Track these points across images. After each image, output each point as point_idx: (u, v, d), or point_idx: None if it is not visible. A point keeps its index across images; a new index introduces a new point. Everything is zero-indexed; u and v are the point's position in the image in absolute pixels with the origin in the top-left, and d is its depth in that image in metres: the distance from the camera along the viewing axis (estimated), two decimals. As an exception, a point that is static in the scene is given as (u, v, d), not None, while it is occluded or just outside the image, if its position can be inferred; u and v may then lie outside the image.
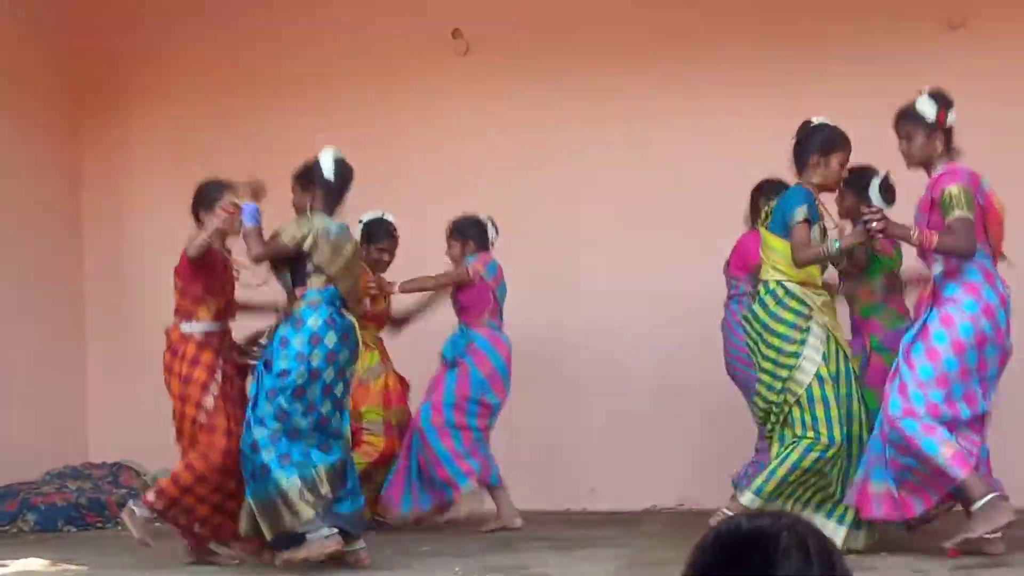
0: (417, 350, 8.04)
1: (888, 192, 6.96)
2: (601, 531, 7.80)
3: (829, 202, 6.71)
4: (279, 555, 6.38)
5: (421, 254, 8.07)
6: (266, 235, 6.48)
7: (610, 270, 9.02)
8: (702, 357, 7.94)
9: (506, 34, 9.32)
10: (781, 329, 6.34)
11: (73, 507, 8.53)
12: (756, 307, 6.47)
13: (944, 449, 5.93)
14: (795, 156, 6.50)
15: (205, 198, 6.74)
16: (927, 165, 6.21)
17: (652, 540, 7.24)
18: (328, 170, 6.57)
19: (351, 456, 6.62)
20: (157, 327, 6.94)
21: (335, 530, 6.33)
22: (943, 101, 6.17)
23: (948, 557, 6.07)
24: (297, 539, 6.31)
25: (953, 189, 6.00)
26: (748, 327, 6.51)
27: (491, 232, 8.04)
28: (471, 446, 7.80)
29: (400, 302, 8.20)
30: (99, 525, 8.53)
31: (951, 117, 6.16)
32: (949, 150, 6.19)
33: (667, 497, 8.71)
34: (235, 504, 6.53)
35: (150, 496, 6.58)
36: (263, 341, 6.56)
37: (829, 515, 6.35)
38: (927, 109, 6.15)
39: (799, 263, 6.31)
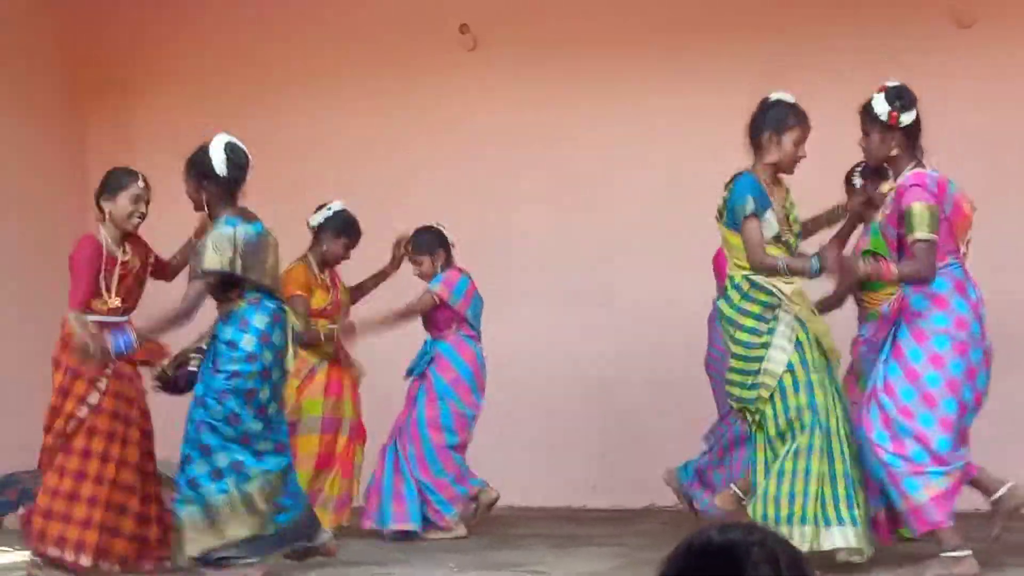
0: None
1: None
2: (599, 529, 7.81)
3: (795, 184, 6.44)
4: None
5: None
6: (179, 246, 6.34)
7: (615, 264, 9.00)
8: (701, 356, 7.92)
9: (514, 29, 9.30)
10: (747, 322, 6.09)
11: (74, 496, 8.52)
12: (722, 303, 6.23)
13: (924, 493, 5.76)
14: (749, 134, 6.19)
15: (108, 187, 6.43)
16: (889, 164, 6.03)
17: (650, 538, 7.25)
18: (219, 163, 6.14)
19: (292, 466, 6.37)
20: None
21: (256, 559, 6.09)
22: (899, 101, 5.90)
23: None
24: (219, 561, 6.06)
25: (916, 207, 5.76)
26: (719, 322, 6.32)
27: (450, 236, 7.77)
28: (456, 469, 7.61)
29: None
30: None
31: (905, 117, 5.90)
32: (912, 150, 5.95)
33: (666, 495, 8.69)
34: (128, 523, 6.28)
35: (38, 546, 6.23)
36: (196, 354, 6.21)
37: (840, 521, 6.02)
38: (880, 108, 5.90)
39: (754, 268, 6.06)
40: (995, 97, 8.49)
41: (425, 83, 9.39)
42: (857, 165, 6.99)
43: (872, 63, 8.50)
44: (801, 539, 5.89)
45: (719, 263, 7.36)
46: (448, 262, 7.76)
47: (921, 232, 5.74)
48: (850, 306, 7.15)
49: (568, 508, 8.76)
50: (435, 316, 7.72)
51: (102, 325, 6.25)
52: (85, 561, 6.19)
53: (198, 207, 6.29)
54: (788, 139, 6.15)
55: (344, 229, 7.71)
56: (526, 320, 8.61)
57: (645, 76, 9.08)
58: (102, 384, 6.27)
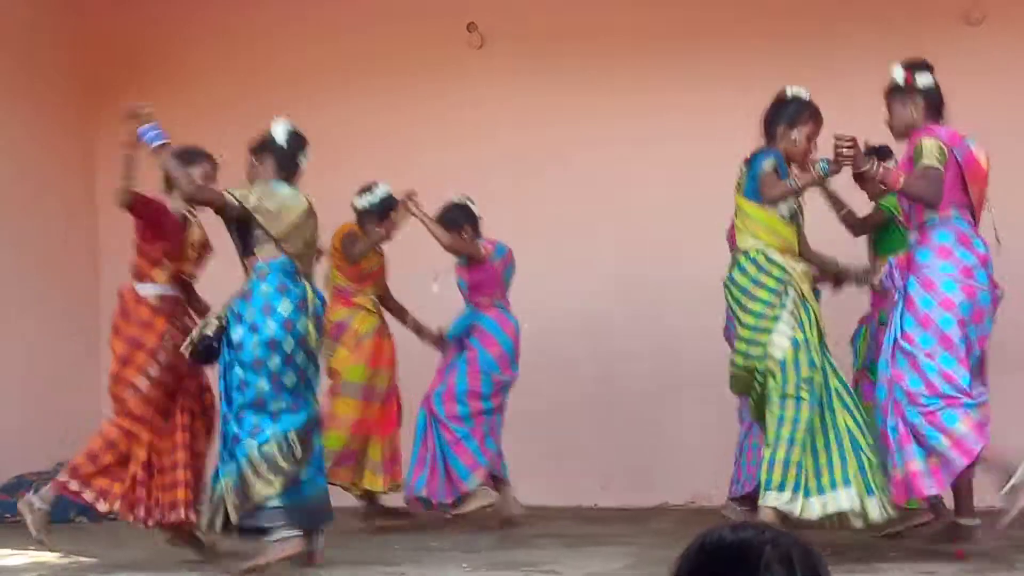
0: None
1: None
2: (612, 528, 7.80)
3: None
4: (243, 566, 6.16)
5: (434, 247, 8.02)
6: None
7: (625, 264, 9.00)
8: (716, 353, 7.91)
9: (521, 28, 9.30)
10: (762, 294, 6.24)
11: (85, 498, 8.53)
12: (736, 273, 6.35)
13: (963, 423, 5.84)
14: (764, 124, 6.40)
15: (184, 159, 6.52)
16: (910, 134, 6.13)
17: (663, 537, 7.23)
18: (280, 137, 6.41)
19: (319, 429, 6.43)
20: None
21: (298, 532, 6.14)
22: (913, 64, 6.13)
23: (956, 558, 6.05)
24: (260, 531, 6.12)
25: (926, 141, 5.94)
26: (728, 293, 6.41)
27: (476, 210, 7.91)
28: (485, 433, 7.74)
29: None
30: (111, 516, 8.53)
31: (921, 78, 6.09)
32: (936, 116, 6.10)
33: (678, 494, 8.69)
34: (160, 482, 6.46)
35: (62, 475, 6.52)
36: (213, 326, 6.25)
37: (833, 486, 6.15)
38: (896, 74, 6.13)
39: (768, 199, 6.21)
40: (1004, 94, 8.48)
41: (432, 82, 9.39)
42: (865, 151, 7.03)
43: (881, 61, 8.46)
44: (790, 505, 6.08)
45: (733, 238, 7.40)
46: (476, 234, 7.91)
47: (929, 160, 5.90)
48: (851, 300, 7.16)
49: (580, 507, 8.75)
50: (476, 277, 7.86)
51: (163, 297, 6.54)
52: (102, 507, 6.50)
53: (256, 177, 6.41)
54: (800, 133, 6.32)
55: (381, 211, 7.92)
56: (536, 320, 8.59)
57: (654, 74, 9.08)
58: (160, 356, 6.46)
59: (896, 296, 6.08)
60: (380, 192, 7.97)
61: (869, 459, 6.14)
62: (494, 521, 7.80)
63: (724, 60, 8.90)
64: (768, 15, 8.93)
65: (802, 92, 6.41)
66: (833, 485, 6.14)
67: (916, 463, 5.92)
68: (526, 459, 8.12)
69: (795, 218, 6.38)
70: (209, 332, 6.20)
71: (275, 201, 6.25)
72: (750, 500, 7.14)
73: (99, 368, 9.70)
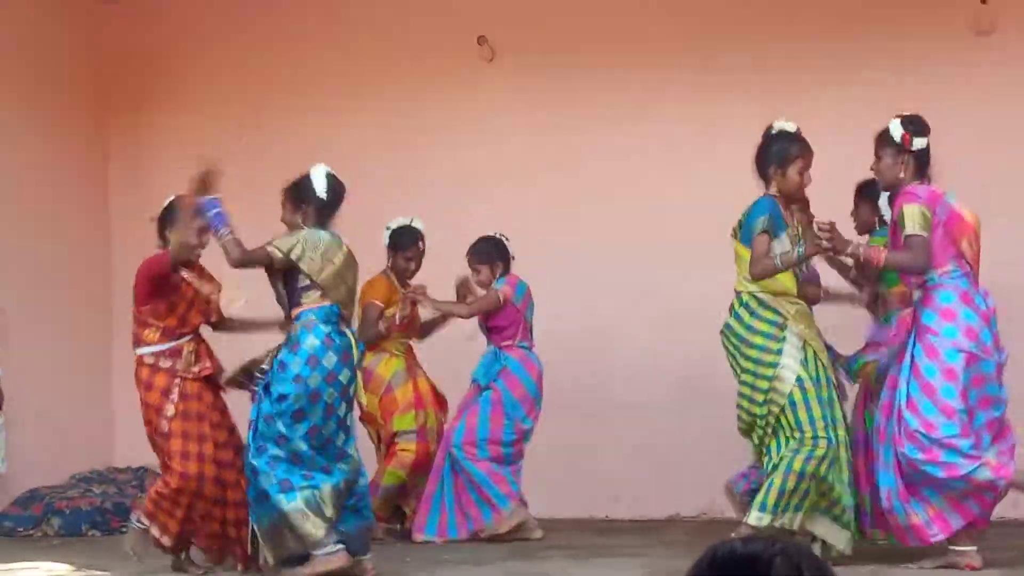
0: (434, 358, 8.06)
1: None
2: (622, 539, 7.80)
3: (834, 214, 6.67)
4: (283, 572, 6.30)
5: (447, 259, 8.04)
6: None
7: (636, 274, 9.00)
8: (726, 365, 7.91)
9: (532, 41, 9.32)
10: (758, 340, 6.35)
11: (98, 511, 8.57)
12: (731, 320, 6.49)
13: (984, 469, 5.94)
14: (756, 167, 6.53)
15: (172, 217, 6.64)
16: (894, 188, 6.23)
17: (674, 549, 7.21)
18: (320, 187, 6.41)
19: (358, 475, 6.46)
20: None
21: (341, 546, 6.24)
22: (913, 126, 6.16)
23: (965, 568, 6.05)
24: (304, 559, 6.23)
25: (906, 209, 6.01)
26: (725, 340, 6.53)
27: (509, 248, 8.04)
28: (507, 470, 7.81)
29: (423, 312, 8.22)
30: (124, 530, 8.52)
31: (918, 142, 6.14)
32: (920, 177, 6.17)
33: (690, 506, 8.68)
34: (221, 512, 6.57)
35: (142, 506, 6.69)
36: (264, 367, 6.37)
37: (834, 519, 6.35)
38: (894, 130, 6.16)
39: (755, 274, 6.33)
40: (1014, 104, 8.47)
41: (443, 95, 9.41)
42: (859, 185, 7.10)
43: (890, 70, 8.51)
44: (791, 523, 6.23)
45: None
46: (506, 273, 7.99)
47: (912, 228, 5.97)
48: (854, 321, 7.17)
49: (591, 519, 8.75)
50: (500, 320, 7.90)
51: (158, 354, 6.60)
52: (167, 541, 6.58)
53: (294, 223, 6.47)
54: (792, 170, 6.44)
55: (396, 244, 8.06)
56: (546, 331, 8.60)
57: (664, 86, 9.08)
58: (168, 409, 6.54)
59: (904, 359, 6.13)
60: (392, 225, 8.09)
61: (844, 495, 6.32)
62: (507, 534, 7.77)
63: (734, 70, 8.90)
64: (777, 24, 8.93)
65: (787, 126, 6.53)
66: (834, 520, 6.35)
67: (916, 516, 6.06)
68: (538, 471, 8.12)
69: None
70: (265, 367, 6.29)
71: (318, 250, 6.29)
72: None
73: (111, 383, 9.76)
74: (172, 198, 6.75)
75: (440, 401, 8.15)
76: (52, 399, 9.20)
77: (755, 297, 6.37)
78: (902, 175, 6.16)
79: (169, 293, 6.59)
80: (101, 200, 9.93)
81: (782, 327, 6.30)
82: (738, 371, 6.45)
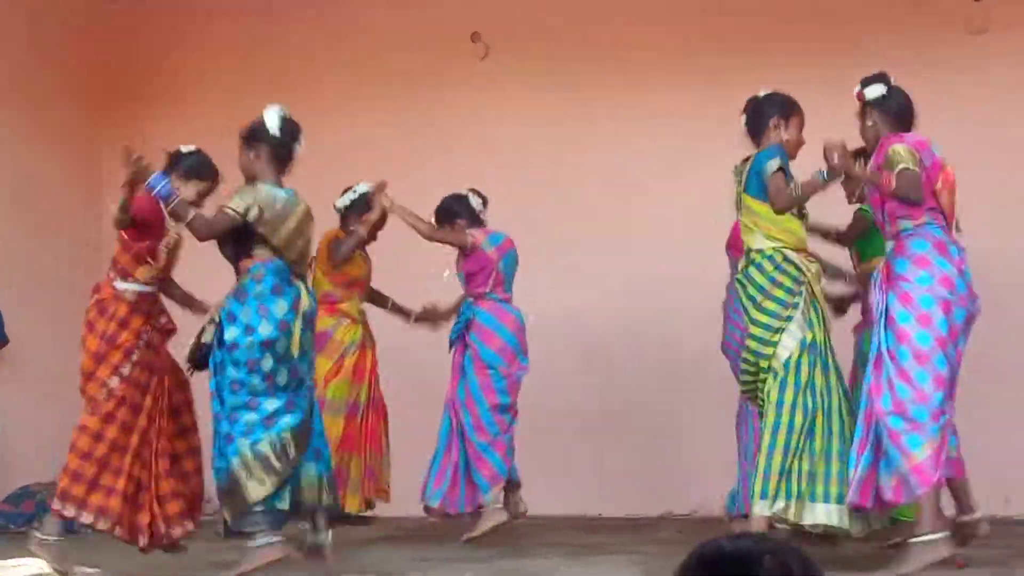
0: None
1: None
2: (615, 537, 7.80)
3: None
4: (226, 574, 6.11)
5: (438, 255, 8.02)
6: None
7: (631, 273, 9.01)
8: (722, 363, 7.92)
9: (525, 38, 9.33)
10: (779, 293, 6.28)
11: (90, 508, 8.53)
12: (752, 270, 6.36)
13: (919, 452, 5.84)
14: (752, 126, 6.46)
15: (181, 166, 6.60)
16: (878, 142, 6.21)
17: (666, 546, 7.23)
18: (273, 126, 6.30)
19: (317, 422, 6.34)
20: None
21: (279, 537, 6.07)
22: (865, 80, 6.26)
23: (956, 568, 6.04)
24: (246, 535, 6.07)
25: (896, 147, 6.00)
26: (741, 291, 6.42)
27: (476, 203, 7.84)
28: (508, 444, 7.63)
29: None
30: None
31: (870, 91, 6.20)
32: (902, 127, 6.17)
33: (683, 504, 8.69)
34: (147, 496, 6.40)
35: (55, 504, 6.41)
36: (206, 328, 6.19)
37: (826, 498, 6.22)
38: (855, 94, 6.24)
39: (778, 208, 6.26)
40: (1006, 103, 8.49)
41: (437, 92, 9.42)
42: (858, 150, 7.11)
43: (885, 69, 8.51)
44: (784, 512, 6.15)
45: (734, 245, 7.42)
46: (474, 226, 7.80)
47: (904, 163, 5.95)
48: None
49: (584, 517, 8.75)
50: (469, 265, 7.73)
51: (142, 295, 6.49)
52: (103, 525, 6.36)
53: (248, 176, 6.35)
54: (793, 124, 6.43)
55: (366, 210, 7.89)
56: (539, 330, 8.60)
57: (657, 84, 9.10)
58: (135, 355, 6.40)
59: (876, 312, 6.09)
60: (360, 189, 7.97)
61: (835, 468, 6.21)
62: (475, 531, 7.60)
63: (728, 70, 8.91)
64: (771, 24, 8.94)
65: (771, 90, 6.52)
66: (826, 497, 6.19)
67: (883, 477, 5.96)
68: (531, 469, 8.10)
69: (802, 211, 6.43)
70: (207, 340, 6.15)
71: (274, 210, 6.20)
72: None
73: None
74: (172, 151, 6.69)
75: (375, 375, 7.97)
76: (44, 398, 9.19)
77: (781, 252, 6.30)
78: (880, 130, 6.17)
79: (157, 234, 6.52)
80: (95, 199, 9.90)
81: (801, 283, 6.26)
82: (748, 322, 6.37)
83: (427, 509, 7.71)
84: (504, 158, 9.29)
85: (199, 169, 6.66)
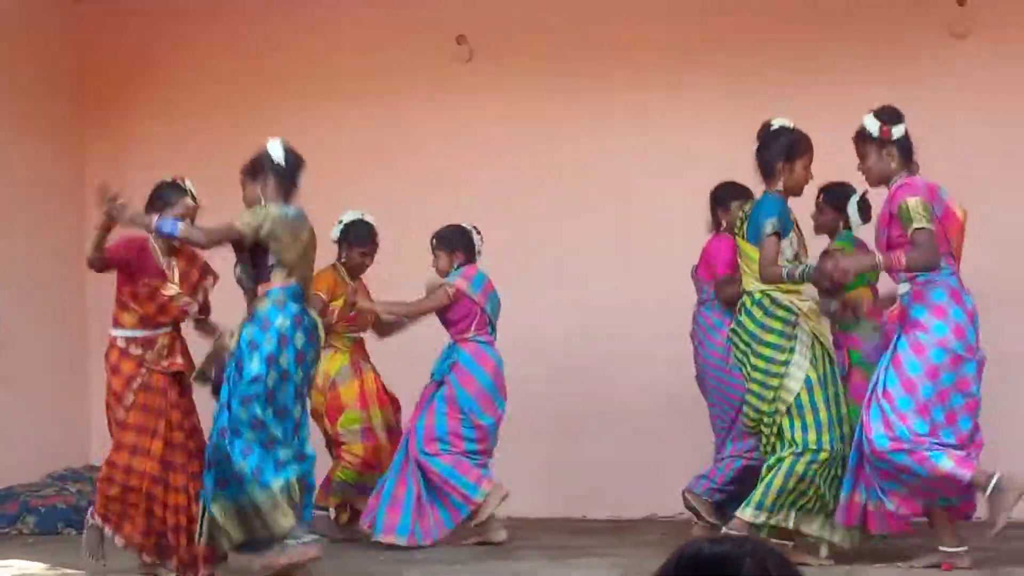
0: (407, 357, 7.99)
1: (865, 210, 7.05)
2: (598, 539, 7.80)
3: (798, 209, 6.75)
4: (250, 559, 6.19)
5: (425, 260, 8.02)
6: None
7: (614, 275, 9.01)
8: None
9: (510, 41, 9.32)
10: (771, 338, 6.35)
11: (73, 510, 8.51)
12: (743, 318, 6.47)
13: (946, 459, 5.97)
14: (760, 162, 6.52)
15: (155, 202, 6.57)
16: (886, 181, 6.25)
17: (647, 549, 7.23)
18: (278, 156, 6.34)
19: (313, 466, 6.39)
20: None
21: (316, 536, 6.20)
22: (887, 116, 6.22)
23: (942, 570, 6.09)
24: (265, 544, 6.13)
25: (910, 202, 6.02)
26: (736, 339, 6.52)
27: (477, 241, 7.86)
28: (475, 461, 7.59)
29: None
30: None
31: (896, 131, 6.19)
32: (908, 164, 6.22)
33: (667, 506, 8.69)
34: (161, 512, 6.45)
35: (96, 518, 6.57)
36: (231, 347, 6.24)
37: (827, 516, 6.38)
38: (871, 126, 6.21)
39: (763, 279, 6.34)
40: (990, 107, 8.52)
41: (421, 94, 9.40)
42: (823, 188, 7.16)
43: (867, 74, 8.54)
44: (786, 520, 6.30)
45: (701, 273, 7.52)
46: (467, 263, 7.81)
47: (919, 223, 5.98)
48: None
49: (568, 519, 8.75)
50: (454, 314, 7.70)
51: (130, 340, 6.53)
52: (119, 542, 6.53)
53: (254, 199, 6.36)
54: (799, 165, 6.48)
55: (354, 239, 7.95)
56: (524, 332, 8.61)
57: (643, 86, 9.09)
58: (128, 398, 6.48)
59: (887, 353, 6.18)
60: (346, 218, 7.98)
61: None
62: (469, 539, 7.62)
63: (714, 74, 8.93)
64: (757, 30, 8.94)
65: (787, 122, 6.55)
66: (814, 512, 6.37)
67: (875, 503, 6.14)
68: (515, 471, 8.10)
69: (798, 258, 6.47)
70: (231, 346, 6.19)
71: (286, 227, 6.21)
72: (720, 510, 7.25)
73: (87, 380, 9.72)
74: (159, 184, 6.67)
75: (391, 399, 8.01)
76: (27, 398, 9.18)
77: (768, 296, 6.37)
78: (892, 165, 6.19)
79: (140, 277, 6.52)
80: (79, 201, 9.86)
81: (794, 325, 6.31)
82: (748, 369, 6.43)
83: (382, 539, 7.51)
84: (489, 160, 9.27)
85: (173, 199, 6.60)
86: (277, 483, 6.07)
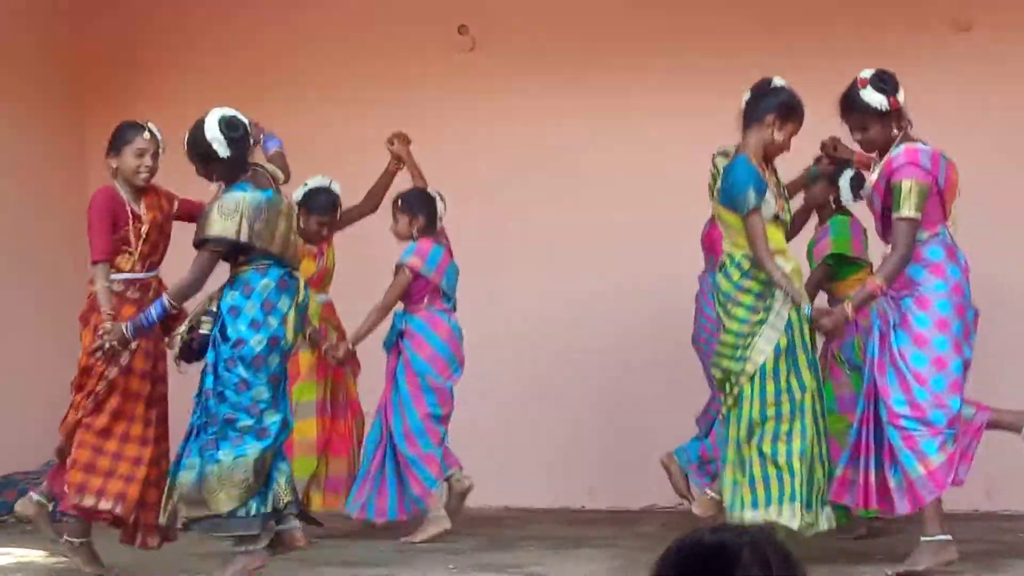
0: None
1: (856, 188, 7.00)
2: (598, 530, 7.80)
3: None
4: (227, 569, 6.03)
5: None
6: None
7: (614, 267, 9.01)
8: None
9: (512, 30, 9.31)
10: (746, 299, 6.21)
11: (72, 498, 8.51)
12: (720, 277, 6.34)
13: (936, 457, 5.88)
14: (748, 111, 6.34)
15: (113, 142, 6.44)
16: (887, 149, 6.16)
17: (648, 539, 7.24)
18: (220, 146, 6.04)
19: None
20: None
21: (263, 543, 5.95)
22: (889, 86, 6.14)
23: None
24: (215, 526, 5.95)
25: (904, 184, 5.97)
26: (715, 298, 6.42)
27: (440, 208, 7.68)
28: (439, 458, 7.46)
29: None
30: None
31: (901, 97, 6.12)
32: (902, 126, 6.14)
33: (667, 497, 8.69)
34: (135, 486, 6.30)
35: (72, 498, 6.32)
36: (212, 309, 6.01)
37: (792, 499, 6.15)
38: (877, 99, 6.11)
39: (756, 263, 6.18)
40: (992, 100, 8.51)
41: (423, 84, 9.39)
42: (817, 159, 7.15)
43: (868, 65, 8.50)
44: (792, 517, 6.07)
45: (709, 239, 7.42)
46: (426, 230, 7.63)
47: (907, 210, 5.95)
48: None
49: (567, 510, 8.75)
50: (408, 288, 7.55)
51: (129, 283, 6.34)
52: (120, 511, 6.27)
53: (211, 180, 6.17)
54: (787, 131, 6.32)
55: (314, 206, 7.69)
56: (524, 320, 8.62)
57: (646, 76, 9.08)
58: (132, 344, 6.20)
59: (880, 318, 6.10)
60: (311, 182, 7.75)
61: (820, 471, 6.18)
62: (453, 506, 7.54)
63: (715, 64, 8.90)
64: (758, 20, 8.94)
65: (788, 85, 6.45)
66: (810, 505, 6.15)
67: (890, 480, 5.98)
68: (514, 461, 8.13)
69: (779, 218, 6.32)
70: (205, 331, 5.95)
71: (262, 217, 5.97)
72: None
73: (87, 368, 9.71)
74: (118, 125, 6.54)
75: (342, 370, 7.71)
76: (26, 385, 9.17)
77: (747, 257, 6.21)
78: (894, 132, 6.12)
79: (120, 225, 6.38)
80: (80, 193, 9.81)
81: (772, 287, 6.15)
82: (723, 328, 6.33)
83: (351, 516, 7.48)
84: (491, 150, 9.26)
85: (130, 135, 6.50)
86: (249, 455, 5.86)
